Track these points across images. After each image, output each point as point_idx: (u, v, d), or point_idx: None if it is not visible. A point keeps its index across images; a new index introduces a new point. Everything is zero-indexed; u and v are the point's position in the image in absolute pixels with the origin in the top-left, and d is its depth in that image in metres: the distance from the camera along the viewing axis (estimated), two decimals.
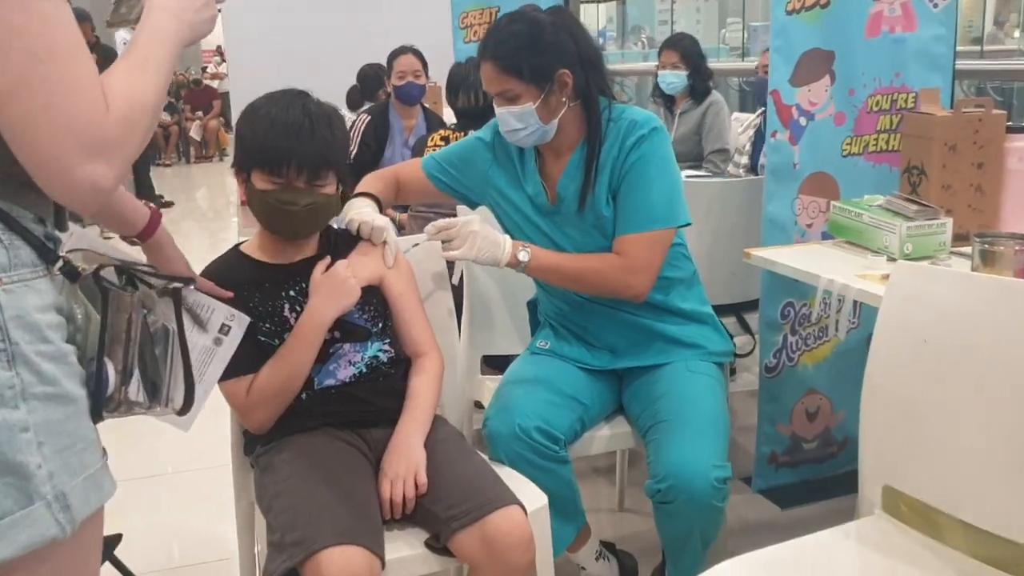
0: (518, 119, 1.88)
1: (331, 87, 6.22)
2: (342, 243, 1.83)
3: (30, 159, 0.95)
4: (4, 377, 0.95)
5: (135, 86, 1.03)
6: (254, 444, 1.76)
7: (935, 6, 2.59)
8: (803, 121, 2.56)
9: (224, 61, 7.90)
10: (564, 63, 1.86)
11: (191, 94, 12.39)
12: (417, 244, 1.96)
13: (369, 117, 3.98)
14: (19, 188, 1.01)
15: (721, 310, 2.85)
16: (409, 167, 2.15)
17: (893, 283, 1.62)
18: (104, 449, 1.07)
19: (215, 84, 13.01)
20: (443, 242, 1.86)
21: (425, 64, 4.02)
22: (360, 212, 1.89)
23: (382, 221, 1.88)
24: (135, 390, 1.12)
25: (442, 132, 3.12)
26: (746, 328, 2.90)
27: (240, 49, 7.12)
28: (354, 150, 3.91)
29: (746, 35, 8.78)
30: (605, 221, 1.91)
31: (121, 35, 8.24)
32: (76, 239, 1.46)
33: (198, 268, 1.76)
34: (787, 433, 2.74)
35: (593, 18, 11.44)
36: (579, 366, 2.04)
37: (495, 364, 2.45)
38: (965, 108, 2.18)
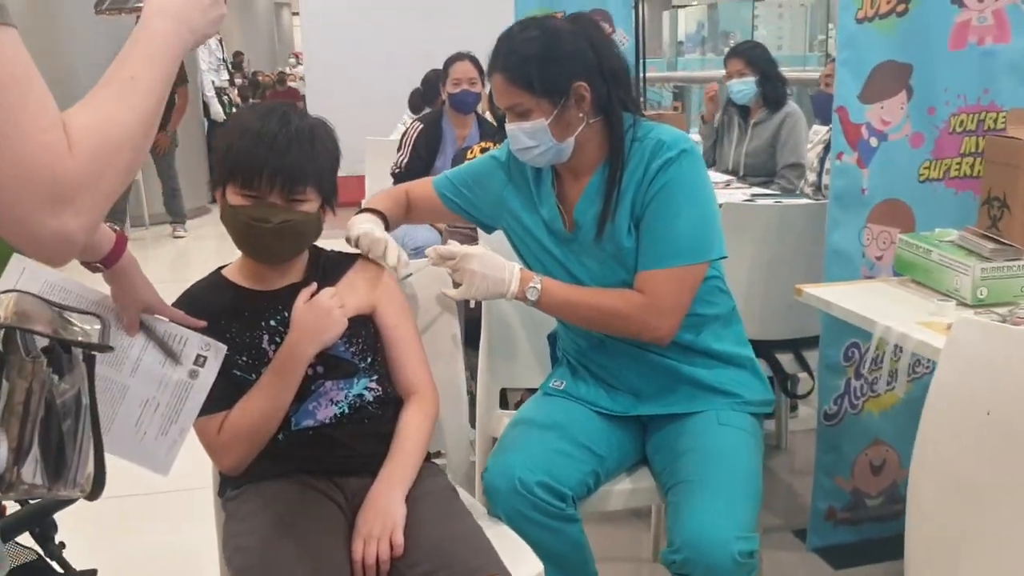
0: (529, 136, 1.69)
1: (400, 91, 6.17)
2: (332, 268, 1.67)
3: None
4: None
5: (112, 115, 0.87)
6: (226, 486, 1.62)
7: None
8: (874, 142, 2.30)
9: (300, 64, 8.00)
10: (582, 75, 1.66)
11: (275, 95, 12.58)
12: (410, 275, 1.79)
13: (421, 125, 3.84)
14: None
15: (778, 346, 2.62)
16: (421, 185, 1.98)
17: (953, 340, 1.37)
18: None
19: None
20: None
21: (482, 71, 3.85)
22: (361, 226, 1.74)
23: (381, 234, 1.72)
24: (31, 471, 0.96)
25: (483, 144, 2.95)
26: (805, 366, 2.64)
27: (317, 54, 7.20)
28: (405, 158, 3.77)
29: (831, 42, 8.37)
30: (626, 252, 1.70)
31: None
32: (27, 277, 1.33)
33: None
34: (848, 488, 2.47)
35: (682, 23, 11.15)
36: (596, 410, 1.83)
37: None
38: None
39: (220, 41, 8.28)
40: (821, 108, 4.09)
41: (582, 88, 1.67)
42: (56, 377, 0.98)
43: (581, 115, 1.69)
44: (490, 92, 3.03)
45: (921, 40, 2.25)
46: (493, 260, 1.70)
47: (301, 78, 8.10)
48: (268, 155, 1.49)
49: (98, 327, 1.09)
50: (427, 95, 5.26)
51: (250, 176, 1.50)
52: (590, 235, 1.73)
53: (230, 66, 9.38)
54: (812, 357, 2.60)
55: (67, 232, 0.82)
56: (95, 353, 1.04)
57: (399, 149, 3.81)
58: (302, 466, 1.57)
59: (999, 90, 2.31)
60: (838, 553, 2.47)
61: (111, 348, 1.29)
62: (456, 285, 1.73)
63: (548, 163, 1.74)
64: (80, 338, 1.08)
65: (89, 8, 1.23)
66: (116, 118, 0.87)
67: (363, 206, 1.88)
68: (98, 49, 5.36)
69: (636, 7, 4.33)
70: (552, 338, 2.04)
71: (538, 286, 1.69)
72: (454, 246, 1.71)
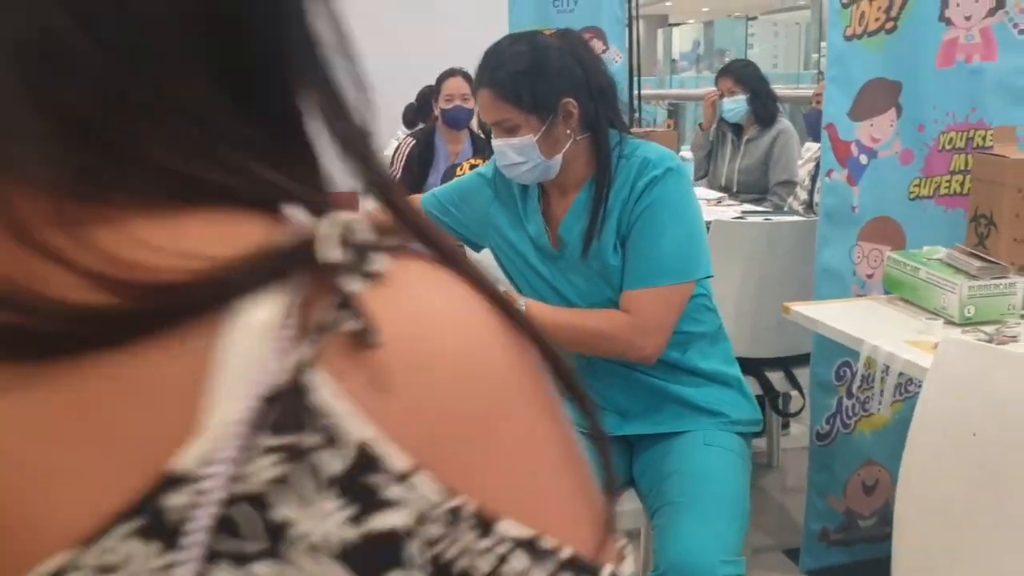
0: (517, 152, 1.67)
1: (393, 106, 6.13)
2: None
3: None
4: None
5: None
6: None
7: (1019, 32, 2.30)
8: (864, 159, 2.29)
9: None
10: (570, 91, 1.65)
11: None
12: None
13: (414, 141, 3.84)
14: None
15: (768, 363, 2.60)
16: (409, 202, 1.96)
17: (939, 360, 1.35)
18: None
19: None
20: None
21: None
22: None
23: None
24: None
25: (472, 160, 2.95)
26: (795, 384, 2.62)
27: None
28: (397, 174, 3.77)
29: (823, 60, 8.40)
30: (612, 270, 1.69)
31: None
32: None
33: None
34: (841, 508, 2.45)
35: (677, 41, 11.19)
36: (582, 431, 1.81)
37: None
38: None
39: None
40: (813, 126, 4.09)
41: (570, 104, 1.66)
42: None
43: (569, 132, 1.67)
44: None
45: (910, 58, 2.25)
46: None
47: None
48: None
49: None
50: (421, 110, 5.26)
51: None
52: (576, 252, 1.71)
53: None
54: (802, 374, 2.59)
55: None
56: None
57: (391, 165, 3.80)
58: None
59: (987, 108, 2.30)
60: (831, 575, 2.45)
61: None
62: None
63: (535, 180, 1.73)
64: None
65: None
66: None
67: None
68: None
69: (630, 25, 4.34)
70: None
71: (522, 308, 1.67)
72: None
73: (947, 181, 2.32)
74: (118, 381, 0.29)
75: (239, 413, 0.28)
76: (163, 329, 0.30)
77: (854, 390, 2.36)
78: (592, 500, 0.35)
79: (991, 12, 2.27)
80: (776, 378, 2.61)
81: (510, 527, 0.32)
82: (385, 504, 0.30)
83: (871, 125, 2.27)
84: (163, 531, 0.28)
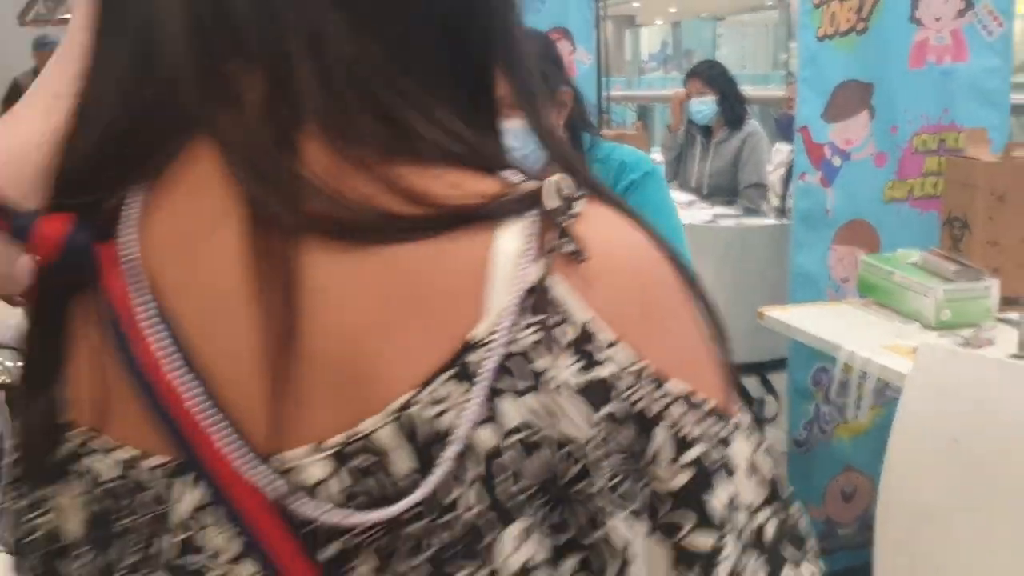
0: (515, 137, 1.64)
1: None
2: None
3: None
4: None
5: (34, 138, 0.81)
6: None
7: (989, 34, 2.30)
8: (837, 161, 2.28)
9: None
10: (567, 82, 1.63)
11: None
12: None
13: None
14: None
15: (742, 369, 2.59)
16: None
17: (917, 367, 1.34)
18: None
19: None
20: None
21: None
22: None
23: None
24: None
25: None
26: (770, 390, 2.61)
27: None
28: None
29: (792, 61, 8.44)
30: None
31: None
32: None
33: None
34: (820, 517, 2.44)
35: (645, 42, 11.21)
36: None
37: None
38: (1016, 152, 1.89)
39: None
40: (785, 129, 4.10)
41: (567, 95, 1.63)
42: None
43: (559, 125, 1.65)
44: None
45: (881, 58, 2.25)
46: None
47: None
48: None
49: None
50: None
51: None
52: None
53: None
54: (777, 379, 2.58)
55: None
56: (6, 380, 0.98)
57: None
58: None
59: (958, 109, 2.31)
60: None
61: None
62: None
63: None
64: (2, 379, 1.02)
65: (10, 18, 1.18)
66: (39, 141, 0.82)
67: None
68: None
69: (597, 26, 4.32)
70: None
71: None
72: None
73: (920, 183, 2.32)
74: (434, 271, 0.45)
75: (511, 302, 0.44)
76: (455, 231, 0.45)
77: (832, 396, 2.35)
78: (723, 369, 0.49)
79: (960, 13, 2.27)
80: (750, 384, 2.60)
81: (675, 384, 0.46)
82: (598, 362, 0.45)
83: (845, 127, 2.27)
84: (467, 376, 0.43)
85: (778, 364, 2.52)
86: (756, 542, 0.47)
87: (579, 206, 0.47)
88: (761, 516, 0.48)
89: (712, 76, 3.92)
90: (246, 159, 0.45)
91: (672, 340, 0.47)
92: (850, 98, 2.26)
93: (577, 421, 0.44)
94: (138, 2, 0.47)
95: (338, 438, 0.43)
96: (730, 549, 0.46)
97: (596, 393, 0.45)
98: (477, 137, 0.49)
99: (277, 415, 0.44)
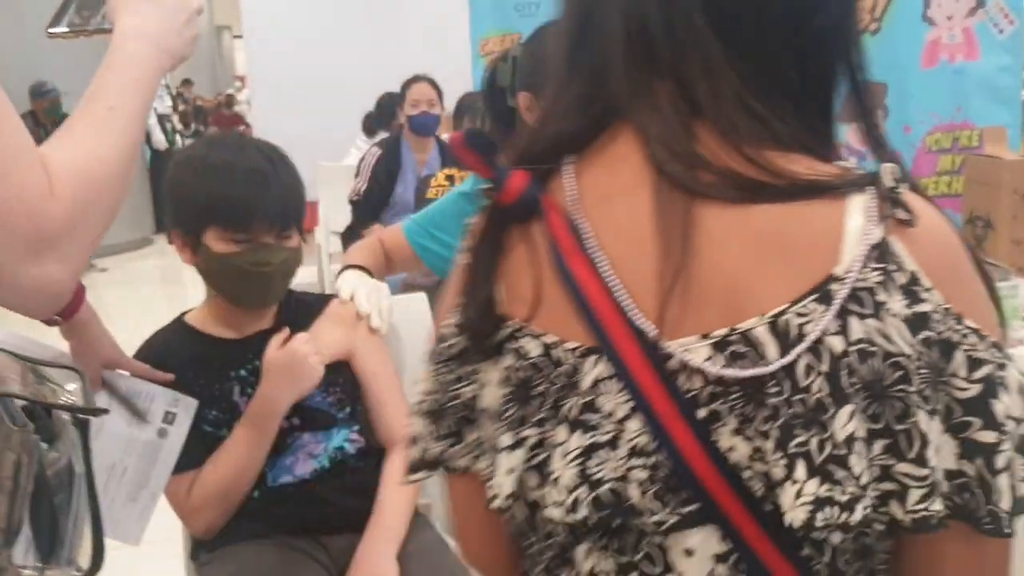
0: None
1: (351, 115, 5.99)
2: (303, 311, 1.57)
3: None
4: None
5: (93, 151, 0.80)
6: (199, 549, 1.50)
7: (1000, 32, 2.29)
8: (853, 162, 2.26)
9: (244, 88, 7.74)
10: None
11: (220, 119, 12.30)
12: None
13: (380, 151, 3.74)
14: None
15: None
16: (391, 233, 1.88)
17: None
18: None
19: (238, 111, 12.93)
20: None
21: (440, 93, 3.78)
22: (349, 285, 1.65)
23: (372, 284, 1.66)
24: (23, 552, 0.86)
25: (447, 171, 2.87)
26: None
27: (262, 77, 6.98)
28: (363, 185, 3.67)
29: None
30: None
31: None
32: None
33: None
34: None
35: None
36: None
37: None
38: None
39: None
40: None
41: None
42: (45, 445, 0.89)
43: None
44: (456, 109, 2.94)
45: (894, 58, 2.24)
46: None
47: (247, 102, 7.84)
48: (260, 194, 1.39)
49: (78, 385, 0.99)
50: (381, 119, 5.17)
51: (244, 219, 1.39)
52: None
53: (173, 93, 9.16)
54: None
55: (51, 280, 0.75)
56: (86, 417, 0.94)
57: (357, 175, 3.71)
58: (281, 525, 1.46)
59: (971, 107, 2.30)
60: None
61: (106, 411, 1.19)
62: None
63: None
64: (64, 399, 0.98)
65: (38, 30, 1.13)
66: (98, 154, 0.80)
67: (345, 262, 1.78)
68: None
69: None
70: None
71: None
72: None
73: (935, 182, 2.31)
74: (799, 225, 0.62)
75: (861, 252, 0.61)
76: (812, 199, 0.62)
77: None
78: (996, 317, 0.65)
79: (972, 11, 2.27)
80: None
81: (970, 322, 0.62)
82: (921, 300, 0.61)
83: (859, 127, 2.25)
84: (827, 300, 0.61)
85: None
86: (1021, 445, 0.63)
87: (903, 187, 0.63)
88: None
89: None
90: (661, 141, 0.64)
91: (967, 292, 0.63)
92: None
93: (901, 341, 0.61)
94: (593, 44, 0.68)
95: (721, 331, 0.62)
96: (1007, 445, 0.62)
97: (917, 322, 0.62)
98: (820, 133, 0.67)
99: (671, 316, 0.63)
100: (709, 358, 0.62)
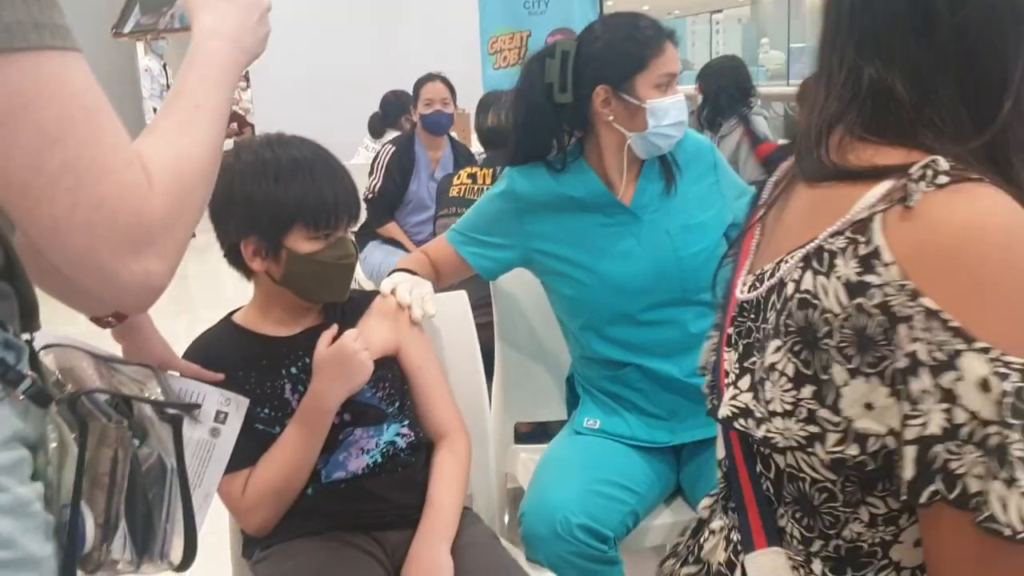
0: (679, 110, 1.71)
1: (357, 114, 5.97)
2: (350, 308, 1.57)
3: (64, 263, 0.73)
4: None
5: (184, 148, 0.80)
6: (253, 547, 1.51)
7: None
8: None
9: (248, 87, 7.69)
10: None
11: None
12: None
13: (394, 148, 3.75)
14: None
15: None
16: (436, 246, 1.89)
17: None
18: None
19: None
20: None
21: (453, 92, 3.78)
22: (393, 279, 1.69)
23: (414, 280, 1.69)
24: (120, 547, 0.87)
25: (469, 169, 2.87)
26: None
27: (266, 76, 6.93)
28: (378, 183, 3.67)
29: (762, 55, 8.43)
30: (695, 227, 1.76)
31: (143, 61, 8.06)
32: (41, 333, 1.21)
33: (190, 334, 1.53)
34: None
35: None
36: (634, 444, 1.76)
37: (525, 438, 2.19)
38: None
39: (164, 67, 7.99)
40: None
41: None
42: (137, 442, 0.90)
43: None
44: (480, 104, 2.94)
45: None
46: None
47: (250, 102, 7.78)
48: (337, 188, 1.42)
49: (155, 382, 0.99)
50: (388, 118, 5.16)
51: (331, 214, 1.41)
52: (655, 196, 1.76)
53: None
54: None
55: (150, 277, 0.75)
56: (178, 413, 0.94)
57: (371, 174, 3.71)
58: (336, 522, 1.46)
59: None
60: None
61: (198, 406, 1.20)
62: None
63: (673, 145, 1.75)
64: (151, 396, 0.98)
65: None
66: (188, 151, 0.81)
67: (396, 267, 1.80)
68: None
69: None
70: (570, 381, 1.96)
71: None
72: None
73: None
74: (834, 201, 0.78)
75: (844, 223, 0.75)
76: (854, 182, 0.77)
77: None
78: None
79: None
80: None
81: (927, 300, 0.71)
82: (872, 271, 0.72)
83: None
84: (803, 253, 0.79)
85: None
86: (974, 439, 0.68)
87: (942, 179, 0.71)
88: (988, 431, 0.67)
89: (702, 75, 3.97)
90: (801, 143, 0.85)
91: (966, 289, 0.69)
92: None
93: (834, 300, 0.73)
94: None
95: (758, 270, 0.87)
96: (919, 420, 0.70)
97: (856, 288, 0.72)
98: (967, 136, 0.77)
99: (756, 261, 0.91)
100: (743, 287, 0.87)
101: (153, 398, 0.94)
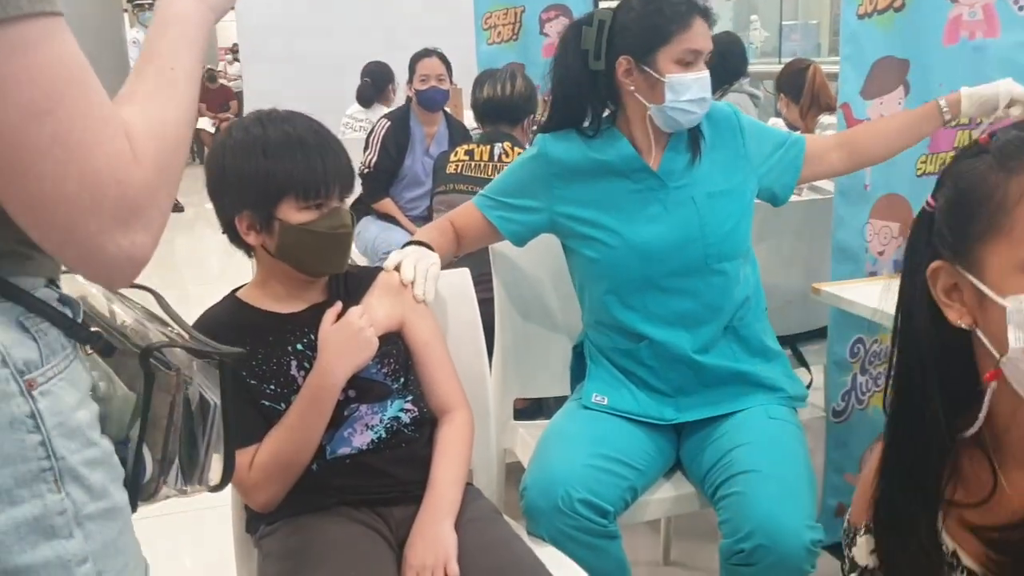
0: (705, 88, 1.74)
1: (347, 87, 5.94)
2: (354, 284, 1.58)
3: (45, 239, 0.72)
4: (53, 502, 0.74)
5: (163, 113, 0.79)
6: (257, 523, 1.52)
7: (1020, 8, 2.32)
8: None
9: (237, 60, 7.62)
10: None
11: (206, 92, 12.07)
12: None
13: (389, 123, 3.74)
14: (19, 257, 0.76)
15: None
16: (462, 211, 1.89)
17: None
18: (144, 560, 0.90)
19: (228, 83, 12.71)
20: None
21: (449, 68, 3.77)
22: (400, 253, 1.70)
23: (420, 252, 1.69)
24: (173, 478, 0.94)
25: (466, 146, 2.87)
26: (803, 362, 2.63)
27: (254, 48, 6.87)
28: (374, 157, 3.67)
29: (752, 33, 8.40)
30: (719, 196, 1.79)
31: (131, 33, 7.97)
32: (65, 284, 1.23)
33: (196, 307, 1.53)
34: (856, 484, 2.47)
35: None
36: (637, 419, 1.78)
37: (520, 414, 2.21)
38: None
39: None
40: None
41: None
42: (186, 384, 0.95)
43: None
44: (478, 81, 2.94)
45: (917, 35, 2.25)
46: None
47: (238, 77, 7.71)
48: (326, 158, 1.42)
49: (169, 318, 1.03)
50: (377, 85, 5.17)
51: (312, 185, 1.41)
52: (682, 166, 1.78)
53: None
54: (806, 352, 2.60)
55: (136, 247, 0.74)
56: (227, 360, 0.98)
57: (366, 148, 3.70)
58: (340, 497, 1.48)
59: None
60: None
61: (243, 352, 1.23)
62: None
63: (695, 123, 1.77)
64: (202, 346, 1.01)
65: None
66: (165, 116, 0.79)
67: (411, 238, 1.80)
68: None
69: (595, 3, 4.29)
70: (577, 350, 1.97)
71: None
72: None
73: (953, 157, 2.34)
74: None
75: None
76: None
77: (868, 366, 2.38)
78: None
79: None
80: None
81: None
82: None
83: (881, 103, 2.27)
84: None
85: (807, 336, 2.55)
86: None
87: None
88: None
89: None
90: None
91: None
92: (887, 74, 2.26)
93: None
94: None
95: None
96: None
97: None
98: None
99: None
100: None
101: (198, 348, 0.98)
